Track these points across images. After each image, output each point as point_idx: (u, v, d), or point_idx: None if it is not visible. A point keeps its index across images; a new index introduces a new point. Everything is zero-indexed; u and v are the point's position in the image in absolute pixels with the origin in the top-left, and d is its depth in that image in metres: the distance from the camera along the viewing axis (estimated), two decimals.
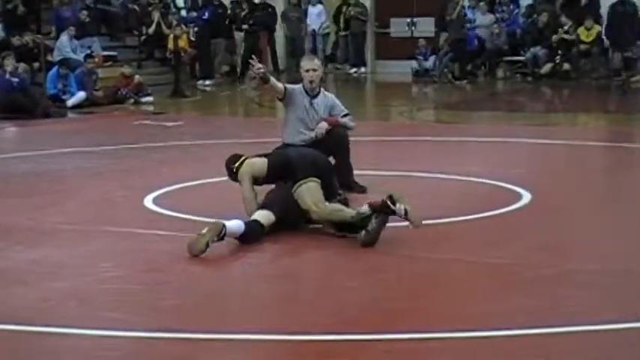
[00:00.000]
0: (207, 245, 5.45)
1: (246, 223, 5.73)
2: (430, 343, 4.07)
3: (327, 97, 7.20)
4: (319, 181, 5.93)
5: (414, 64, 19.29)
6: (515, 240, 5.90)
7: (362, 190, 7.18)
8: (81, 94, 14.84)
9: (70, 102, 14.65)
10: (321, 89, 7.17)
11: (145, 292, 4.98)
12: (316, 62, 7.11)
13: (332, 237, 5.82)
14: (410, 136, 11.10)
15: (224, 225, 5.55)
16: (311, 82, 6.98)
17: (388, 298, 4.75)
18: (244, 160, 6.21)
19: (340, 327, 4.26)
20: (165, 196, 7.35)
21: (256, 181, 6.15)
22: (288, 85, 7.14)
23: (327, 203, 5.88)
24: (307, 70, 6.98)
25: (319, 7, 20.32)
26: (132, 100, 15.23)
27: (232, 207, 6.12)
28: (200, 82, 18.47)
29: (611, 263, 5.32)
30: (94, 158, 9.71)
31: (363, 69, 20.56)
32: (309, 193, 5.88)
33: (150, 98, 15.46)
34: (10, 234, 6.24)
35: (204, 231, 5.54)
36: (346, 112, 7.26)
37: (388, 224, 5.70)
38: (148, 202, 7.11)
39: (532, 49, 17.98)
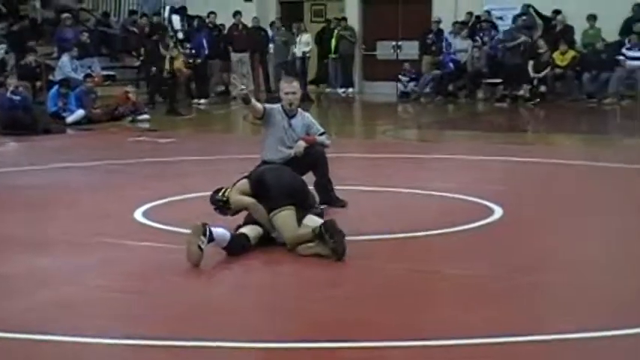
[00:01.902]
0: (201, 249, 5.63)
1: (232, 235, 5.91)
2: (394, 351, 4.25)
3: (305, 117, 7.34)
4: (293, 208, 6.06)
5: (399, 85, 20.10)
6: (485, 253, 6.11)
7: (342, 204, 7.36)
8: (80, 112, 15.25)
9: (70, 119, 15.06)
10: (299, 109, 7.32)
11: (129, 301, 5.10)
12: (295, 85, 7.22)
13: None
14: (393, 153, 11.46)
15: (204, 224, 5.73)
16: (290, 104, 7.11)
17: (359, 308, 4.90)
18: (226, 190, 6.35)
19: (310, 335, 4.43)
20: (155, 209, 7.52)
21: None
22: (267, 106, 7.26)
23: (298, 231, 5.98)
24: (287, 93, 7.11)
25: (307, 35, 20.93)
26: (129, 118, 15.68)
27: (219, 220, 6.26)
28: (195, 101, 19.14)
29: (578, 276, 5.49)
30: (90, 173, 10.02)
31: (351, 90, 21.20)
32: (284, 225, 6.00)
33: (146, 116, 15.87)
34: (4, 245, 6.42)
35: (187, 237, 5.76)
36: (322, 130, 7.39)
37: (363, 237, 6.06)
38: (139, 215, 7.29)
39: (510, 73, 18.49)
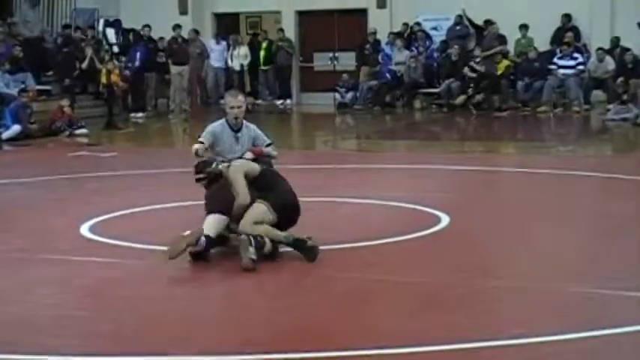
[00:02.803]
0: (185, 249, 5.84)
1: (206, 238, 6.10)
2: None
3: (250, 129, 7.18)
4: (276, 215, 6.27)
5: (336, 96, 20.24)
6: (434, 260, 6.21)
7: None
8: (16, 128, 15.02)
9: (5, 135, 14.81)
10: (244, 122, 7.13)
11: (84, 317, 5.10)
12: (240, 98, 7.06)
13: (264, 260, 6.04)
14: (334, 164, 11.58)
15: (205, 233, 6.00)
16: (236, 118, 6.97)
17: (316, 317, 4.99)
18: (218, 164, 6.44)
19: (271, 346, 4.49)
20: (101, 224, 7.49)
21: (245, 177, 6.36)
22: (208, 134, 6.97)
23: (264, 225, 6.21)
24: (232, 107, 6.95)
25: (245, 48, 20.95)
26: (67, 133, 15.53)
27: (166, 233, 6.34)
28: (133, 114, 19.01)
29: (524, 281, 5.59)
30: (31, 189, 9.88)
31: (288, 101, 21.27)
32: (260, 210, 6.21)
33: (84, 130, 15.77)
34: None
35: (186, 233, 5.93)
36: (269, 141, 7.27)
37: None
38: (85, 230, 7.25)
39: (446, 82, 18.86)
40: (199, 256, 6.20)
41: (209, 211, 6.38)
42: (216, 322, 5.14)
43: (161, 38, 20.02)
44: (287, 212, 6.33)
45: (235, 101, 7.04)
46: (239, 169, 6.41)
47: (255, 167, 6.50)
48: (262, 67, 21.24)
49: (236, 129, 7.07)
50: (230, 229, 6.42)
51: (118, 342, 4.68)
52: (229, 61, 20.65)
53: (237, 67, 20.64)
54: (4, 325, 4.98)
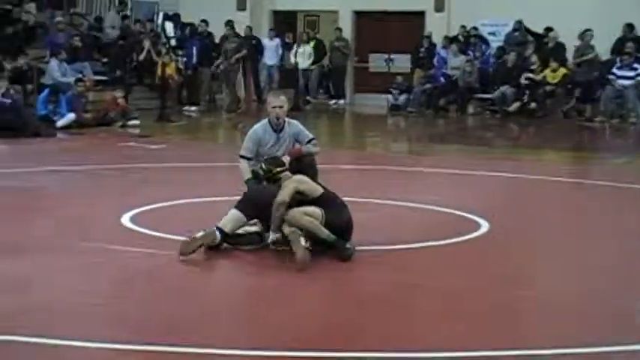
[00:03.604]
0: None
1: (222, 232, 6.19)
2: None
3: (292, 125, 7.17)
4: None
5: (390, 98, 20.16)
6: (468, 267, 6.17)
7: None
8: (70, 116, 15.26)
9: (60, 123, 15.05)
10: (286, 119, 7.14)
11: (113, 306, 5.12)
12: (282, 98, 7.09)
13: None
14: (381, 165, 11.54)
15: (217, 234, 6.10)
16: (277, 117, 6.98)
17: (341, 319, 4.98)
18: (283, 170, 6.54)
19: (295, 345, 4.47)
20: (142, 214, 7.52)
21: (298, 193, 6.36)
22: (249, 143, 7.05)
23: (311, 218, 6.20)
24: (274, 107, 6.98)
25: (309, 46, 20.81)
26: (119, 123, 15.71)
27: (207, 226, 6.30)
28: (186, 108, 19.18)
29: (561, 292, 5.56)
30: (78, 177, 9.99)
31: (342, 101, 21.29)
32: (311, 211, 6.21)
33: (136, 122, 15.90)
34: None
35: (198, 235, 6.01)
36: (311, 137, 7.23)
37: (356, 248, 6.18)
38: (126, 220, 7.30)
39: (501, 88, 18.67)
40: (213, 248, 6.27)
41: (235, 206, 6.41)
42: (244, 317, 5.15)
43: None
44: (339, 232, 6.26)
45: (277, 101, 7.06)
46: (295, 180, 6.41)
47: (317, 189, 6.43)
48: (312, 67, 21.15)
49: (278, 129, 7.07)
50: (258, 233, 6.46)
51: (145, 331, 4.70)
52: (292, 59, 20.59)
53: (303, 65, 20.56)
54: (34, 309, 5.02)
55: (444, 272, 6.05)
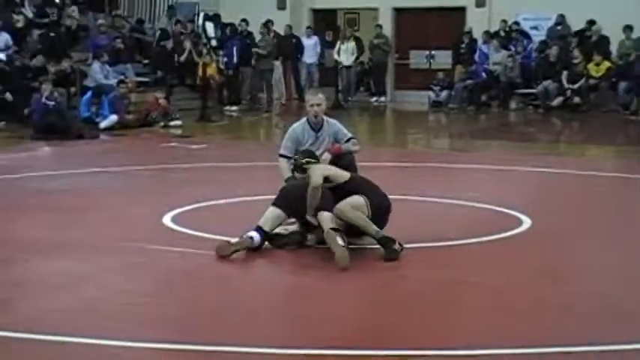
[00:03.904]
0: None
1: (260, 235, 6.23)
2: None
3: (331, 124, 7.15)
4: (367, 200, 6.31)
5: (431, 94, 20.06)
6: (511, 263, 6.15)
7: None
8: (113, 117, 15.42)
9: (103, 124, 15.22)
10: (324, 118, 7.13)
11: (152, 305, 5.14)
12: (320, 96, 7.07)
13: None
14: (423, 162, 11.54)
15: (253, 240, 6.14)
16: (315, 116, 6.97)
17: (384, 316, 4.98)
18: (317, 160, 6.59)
19: (335, 342, 4.46)
20: (183, 214, 7.56)
21: (325, 180, 6.37)
22: (289, 142, 7.06)
23: (360, 213, 6.22)
24: (312, 105, 6.97)
25: (352, 43, 20.70)
26: (161, 124, 15.86)
27: (248, 226, 6.33)
28: (227, 107, 19.30)
29: (605, 288, 5.49)
30: (120, 177, 10.10)
31: (383, 98, 21.26)
32: (356, 201, 6.23)
33: (178, 122, 16.04)
34: (32, 246, 6.52)
35: (233, 241, 6.06)
36: (350, 135, 7.19)
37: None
38: (167, 220, 7.34)
39: (544, 83, 18.49)
40: (254, 250, 6.26)
41: (273, 203, 6.42)
42: (283, 316, 5.16)
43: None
44: (381, 213, 6.31)
45: (315, 99, 7.05)
46: (320, 167, 6.47)
47: (343, 175, 6.48)
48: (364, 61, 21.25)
49: (316, 128, 7.06)
50: (300, 232, 6.47)
51: (182, 331, 4.72)
52: (336, 56, 20.56)
53: (346, 63, 20.50)
54: (73, 309, 5.09)
55: (486, 269, 6.01)
